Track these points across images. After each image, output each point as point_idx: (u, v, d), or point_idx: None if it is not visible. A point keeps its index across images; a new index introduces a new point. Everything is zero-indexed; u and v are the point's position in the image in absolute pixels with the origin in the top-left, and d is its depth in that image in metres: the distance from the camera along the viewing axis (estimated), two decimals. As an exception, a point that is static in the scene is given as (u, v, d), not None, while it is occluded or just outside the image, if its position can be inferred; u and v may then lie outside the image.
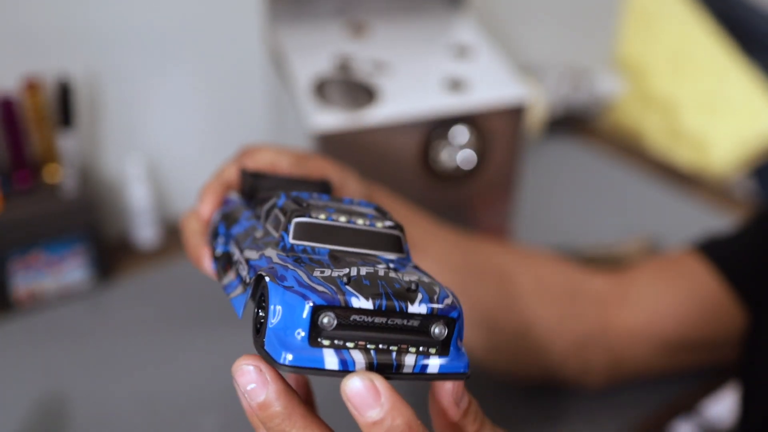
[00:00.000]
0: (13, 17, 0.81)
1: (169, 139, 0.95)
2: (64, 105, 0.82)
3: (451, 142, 0.81)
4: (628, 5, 1.45)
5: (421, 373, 0.34)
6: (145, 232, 0.93)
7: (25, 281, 0.83)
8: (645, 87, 1.56)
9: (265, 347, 0.33)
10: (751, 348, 0.68)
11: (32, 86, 0.81)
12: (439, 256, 0.65)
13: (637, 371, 0.73)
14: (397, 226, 0.40)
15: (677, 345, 0.72)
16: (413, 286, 0.34)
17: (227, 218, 0.47)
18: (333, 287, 0.33)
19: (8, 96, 0.81)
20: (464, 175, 0.84)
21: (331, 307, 0.32)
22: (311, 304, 0.32)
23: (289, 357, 0.32)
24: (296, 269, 0.34)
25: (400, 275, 0.35)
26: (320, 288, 0.32)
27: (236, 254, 0.41)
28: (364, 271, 0.35)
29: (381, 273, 0.35)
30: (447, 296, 0.35)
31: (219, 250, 0.45)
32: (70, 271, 0.86)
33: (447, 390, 0.37)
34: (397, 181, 0.82)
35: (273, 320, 0.33)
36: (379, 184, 0.79)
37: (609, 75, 1.26)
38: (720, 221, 1.02)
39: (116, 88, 0.89)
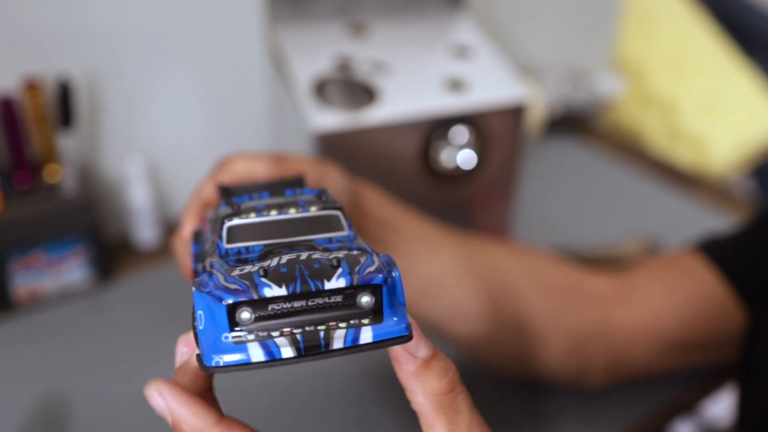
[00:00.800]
0: (13, 17, 0.81)
1: (169, 139, 0.95)
2: (64, 105, 0.82)
3: (451, 142, 0.81)
4: (628, 5, 1.45)
5: (353, 345, 0.34)
6: (145, 232, 0.93)
7: (26, 281, 0.83)
8: (645, 87, 1.56)
9: (199, 354, 0.34)
10: (750, 348, 0.68)
11: (32, 86, 0.81)
12: (432, 248, 0.65)
13: (637, 371, 0.73)
14: (333, 206, 0.40)
15: (678, 345, 0.72)
16: (335, 263, 0.34)
17: (197, 236, 0.47)
18: (247, 283, 0.33)
19: (8, 96, 0.81)
20: (464, 175, 0.84)
21: (246, 302, 0.33)
22: (225, 303, 0.33)
23: (217, 359, 0.33)
24: (218, 273, 0.35)
25: (327, 254, 0.35)
26: (233, 286, 0.33)
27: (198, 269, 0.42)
28: (285, 259, 0.35)
29: (303, 257, 0.35)
30: (371, 264, 0.35)
31: (192, 268, 0.45)
32: (71, 271, 0.86)
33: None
34: (397, 181, 0.82)
35: (200, 326, 0.34)
36: (379, 184, 0.79)
37: (609, 75, 1.26)
38: (720, 221, 1.03)
39: (116, 88, 0.89)
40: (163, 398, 0.36)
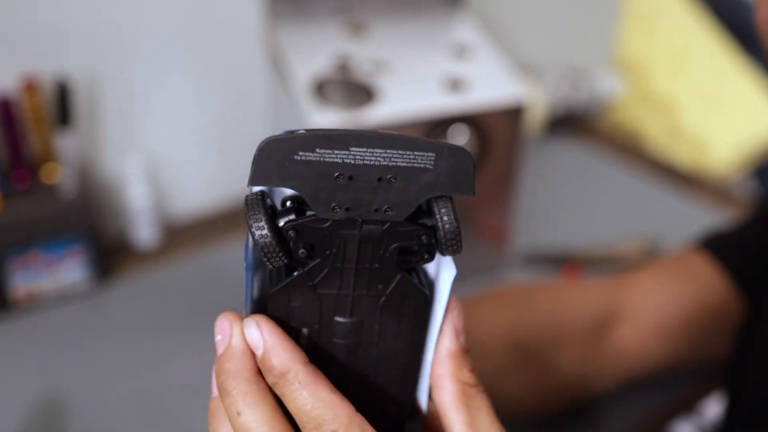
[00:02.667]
0: (12, 17, 0.81)
1: (168, 139, 0.95)
2: (62, 105, 0.82)
3: (450, 142, 0.81)
4: (628, 5, 1.45)
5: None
6: (144, 233, 0.93)
7: (24, 281, 0.83)
8: (645, 87, 1.56)
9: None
10: (747, 339, 0.68)
11: (31, 86, 0.81)
12: None
13: (644, 372, 0.73)
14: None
15: (683, 344, 0.72)
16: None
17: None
18: None
19: (7, 96, 0.80)
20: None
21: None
22: None
23: None
24: None
25: None
26: None
27: None
28: None
29: None
30: None
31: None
32: (69, 271, 0.85)
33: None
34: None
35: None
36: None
37: (609, 75, 1.26)
38: (720, 221, 1.02)
39: (115, 87, 0.89)
40: (259, 328, 0.35)
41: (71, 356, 0.80)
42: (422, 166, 0.33)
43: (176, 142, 0.96)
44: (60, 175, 0.84)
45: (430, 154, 0.33)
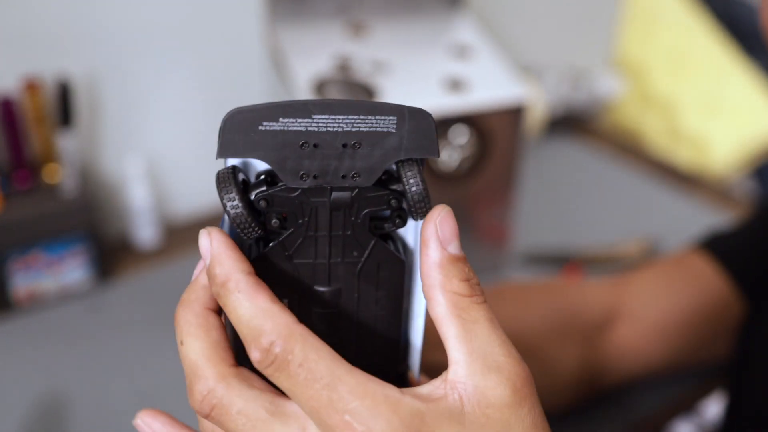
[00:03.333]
0: (13, 17, 0.81)
1: (169, 139, 0.95)
2: (63, 105, 0.82)
3: (450, 142, 0.81)
4: (628, 5, 1.45)
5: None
6: (145, 232, 0.93)
7: (25, 281, 0.83)
8: (645, 87, 1.56)
9: None
10: (747, 338, 0.68)
11: (32, 86, 0.81)
12: None
13: (644, 373, 0.73)
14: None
15: (684, 344, 0.72)
16: None
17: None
18: None
19: (8, 96, 0.81)
20: (464, 175, 0.84)
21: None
22: None
23: None
24: None
25: None
26: None
27: None
28: None
29: None
30: None
31: None
32: (70, 271, 0.85)
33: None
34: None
35: None
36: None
37: (609, 75, 1.26)
38: (720, 221, 1.02)
39: (116, 88, 0.89)
40: (209, 238, 0.34)
41: (71, 356, 0.80)
42: (385, 130, 0.33)
43: (176, 142, 0.96)
44: (61, 175, 0.84)
45: (391, 117, 0.33)
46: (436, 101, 0.80)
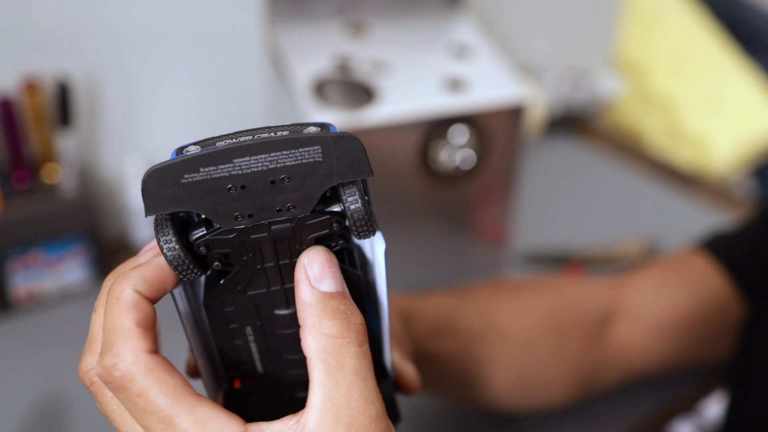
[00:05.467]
0: (12, 17, 0.81)
1: (169, 139, 0.95)
2: (63, 105, 0.82)
3: (450, 142, 0.81)
4: (628, 5, 1.45)
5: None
6: (145, 232, 0.93)
7: (24, 281, 0.83)
8: (645, 87, 1.56)
9: None
10: (748, 340, 0.68)
11: (31, 86, 0.81)
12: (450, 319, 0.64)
13: (644, 374, 0.73)
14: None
15: (684, 344, 0.72)
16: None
17: None
18: None
19: (7, 96, 0.81)
20: (464, 175, 0.84)
21: None
22: None
23: None
24: None
25: None
26: None
27: None
28: None
29: None
30: None
31: None
32: (70, 271, 0.85)
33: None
34: (397, 181, 0.82)
35: None
36: (378, 184, 0.79)
37: (609, 75, 1.26)
38: (720, 221, 1.02)
39: (115, 87, 0.89)
40: (155, 248, 0.35)
41: (71, 356, 0.80)
42: (311, 160, 0.33)
43: (176, 142, 0.95)
44: (60, 175, 0.84)
45: (315, 147, 0.33)
46: (435, 101, 0.80)
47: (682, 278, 0.72)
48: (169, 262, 0.34)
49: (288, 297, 0.37)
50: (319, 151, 0.33)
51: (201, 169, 0.32)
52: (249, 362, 0.38)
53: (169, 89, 0.92)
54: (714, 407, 0.88)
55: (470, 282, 0.90)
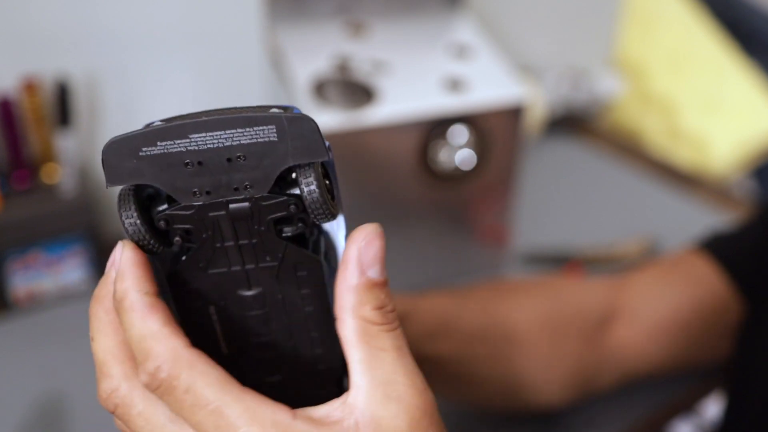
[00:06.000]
0: (12, 17, 0.81)
1: (169, 139, 0.95)
2: (62, 105, 0.82)
3: (450, 142, 0.81)
4: (628, 5, 1.45)
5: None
6: (144, 233, 0.93)
7: (24, 281, 0.83)
8: (645, 87, 1.56)
9: None
10: (747, 341, 0.68)
11: (31, 86, 0.81)
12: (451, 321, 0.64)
13: (643, 374, 0.73)
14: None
15: (683, 345, 0.72)
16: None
17: None
18: None
19: (6, 96, 0.81)
20: (464, 175, 0.84)
21: None
22: None
23: None
24: None
25: None
26: None
27: None
28: None
29: None
30: None
31: None
32: (69, 271, 0.85)
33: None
34: (396, 182, 0.82)
35: None
36: (378, 184, 0.79)
37: (609, 75, 1.26)
38: (720, 221, 1.02)
39: (115, 87, 0.89)
40: (121, 252, 0.34)
41: (71, 356, 0.80)
42: (266, 139, 0.33)
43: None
44: (60, 175, 0.84)
45: (270, 126, 0.33)
46: (435, 101, 0.80)
47: (680, 278, 0.72)
48: (130, 235, 0.35)
49: (250, 278, 0.37)
50: (274, 130, 0.33)
51: (158, 143, 0.33)
52: (213, 342, 0.39)
53: (169, 89, 0.92)
54: (713, 407, 0.88)
55: (470, 282, 0.90)
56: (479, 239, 0.91)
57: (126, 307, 0.34)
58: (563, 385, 0.69)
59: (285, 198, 0.35)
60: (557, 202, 1.07)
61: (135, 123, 0.95)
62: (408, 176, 0.82)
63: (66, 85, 0.82)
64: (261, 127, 0.33)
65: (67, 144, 0.83)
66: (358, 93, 0.81)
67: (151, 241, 0.35)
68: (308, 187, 0.34)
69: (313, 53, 0.85)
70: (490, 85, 0.83)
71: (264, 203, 0.35)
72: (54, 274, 0.85)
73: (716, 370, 0.79)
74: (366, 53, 0.86)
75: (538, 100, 1.13)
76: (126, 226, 0.34)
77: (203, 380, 0.32)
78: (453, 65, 0.86)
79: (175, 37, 0.90)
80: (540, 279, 0.77)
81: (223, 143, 0.33)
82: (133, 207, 0.34)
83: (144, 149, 0.33)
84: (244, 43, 0.93)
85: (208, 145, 0.33)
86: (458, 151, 0.82)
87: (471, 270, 0.92)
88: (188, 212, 0.35)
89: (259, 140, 0.33)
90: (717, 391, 0.82)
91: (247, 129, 0.33)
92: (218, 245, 0.36)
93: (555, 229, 1.01)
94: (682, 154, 1.52)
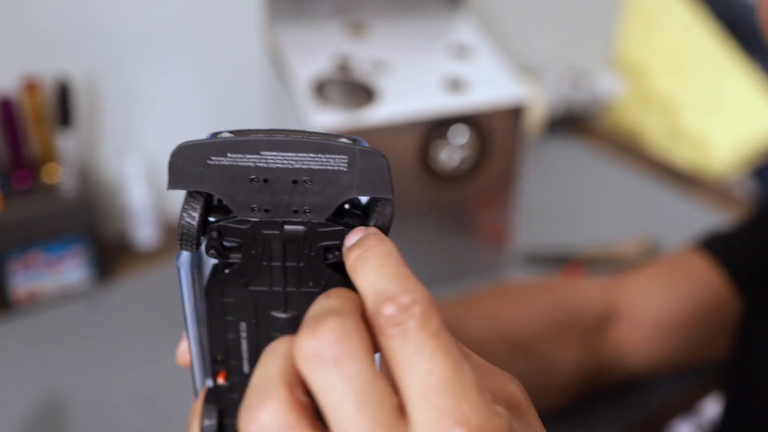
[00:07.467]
0: (13, 17, 0.81)
1: (168, 139, 0.95)
2: (63, 105, 0.82)
3: (450, 142, 0.81)
4: (628, 5, 1.45)
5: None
6: (144, 232, 0.93)
7: (24, 281, 0.83)
8: (645, 87, 1.56)
9: None
10: (745, 340, 0.68)
11: (31, 86, 0.81)
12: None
13: (643, 373, 0.73)
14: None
15: (682, 344, 0.72)
16: None
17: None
18: None
19: (7, 96, 0.81)
20: (464, 175, 0.84)
21: None
22: None
23: None
24: None
25: None
26: None
27: None
28: None
29: None
30: None
31: None
32: (69, 271, 0.85)
33: None
34: (397, 181, 0.82)
35: None
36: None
37: (609, 75, 1.26)
38: (720, 221, 1.02)
39: (115, 87, 0.89)
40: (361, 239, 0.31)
41: (71, 356, 0.80)
42: (336, 168, 0.34)
43: (176, 141, 0.95)
44: (60, 175, 0.84)
45: (342, 156, 0.34)
46: (435, 101, 0.80)
47: (679, 278, 0.72)
48: (181, 230, 0.35)
49: (288, 300, 0.37)
50: (345, 161, 0.34)
51: (228, 155, 0.33)
52: (237, 359, 0.39)
53: (169, 89, 0.92)
54: (713, 407, 0.88)
55: (470, 281, 0.90)
56: (479, 239, 0.91)
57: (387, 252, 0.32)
58: (564, 388, 0.69)
59: (341, 228, 0.35)
60: (557, 202, 1.07)
61: (135, 123, 0.96)
62: (408, 176, 0.82)
63: (66, 85, 0.82)
64: (333, 155, 0.33)
65: (67, 144, 0.83)
66: (359, 93, 0.81)
67: (194, 243, 0.35)
68: (384, 218, 0.35)
69: (313, 53, 0.85)
70: (490, 85, 0.83)
71: (320, 229, 0.35)
72: (54, 274, 0.85)
73: (715, 369, 0.79)
74: (366, 53, 0.87)
75: (538, 100, 1.13)
76: (183, 221, 0.35)
77: (448, 335, 0.28)
78: (453, 65, 0.86)
79: (175, 37, 0.90)
80: (539, 282, 0.77)
81: (292, 165, 0.33)
82: (199, 208, 0.34)
83: (213, 158, 0.33)
84: (244, 43, 0.93)
85: (278, 165, 0.33)
86: (459, 151, 0.82)
87: (471, 270, 0.92)
88: (243, 226, 0.35)
89: (328, 167, 0.34)
90: (717, 391, 0.82)
91: (319, 155, 0.33)
92: (264, 263, 0.36)
93: (555, 229, 1.01)
94: (682, 154, 1.52)
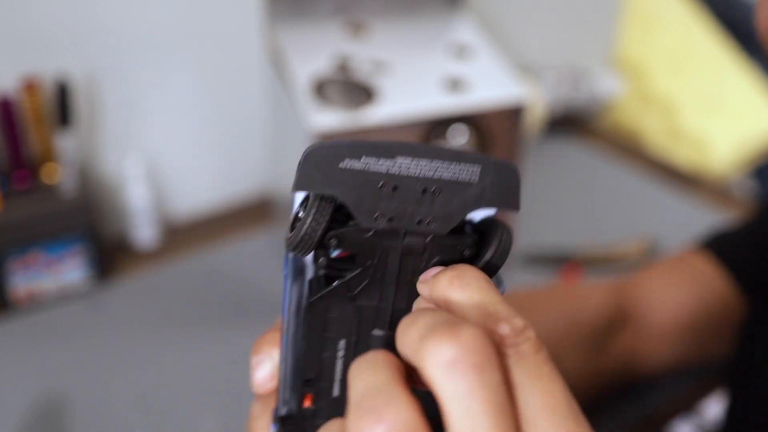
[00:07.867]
0: (13, 17, 0.81)
1: (168, 139, 0.95)
2: (62, 105, 0.82)
3: (450, 142, 0.81)
4: (628, 5, 1.45)
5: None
6: (144, 232, 0.93)
7: (24, 281, 0.83)
8: (645, 87, 1.56)
9: None
10: (749, 340, 0.68)
11: (31, 86, 0.81)
12: None
13: (650, 372, 0.74)
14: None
15: (688, 344, 0.72)
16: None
17: None
18: None
19: (7, 96, 0.81)
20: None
21: None
22: None
23: None
24: None
25: None
26: None
27: None
28: None
29: None
30: None
31: None
32: (69, 271, 0.85)
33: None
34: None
35: None
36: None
37: (609, 75, 1.26)
38: (720, 221, 1.02)
39: (115, 88, 0.89)
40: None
41: (71, 356, 0.80)
42: (467, 179, 0.33)
43: (176, 142, 0.96)
44: (60, 175, 0.84)
45: (475, 167, 0.33)
46: (435, 101, 0.80)
47: (684, 279, 0.72)
48: (302, 233, 0.33)
49: (393, 318, 0.35)
50: (478, 171, 0.33)
51: (363, 158, 0.32)
52: (328, 381, 0.36)
53: (168, 89, 0.92)
54: (714, 407, 0.88)
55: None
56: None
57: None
58: (571, 391, 0.69)
59: (463, 242, 0.34)
60: (557, 202, 1.07)
61: (135, 123, 0.96)
62: (408, 176, 0.82)
63: (66, 85, 0.82)
64: (467, 165, 0.33)
65: (66, 144, 0.83)
66: (358, 93, 0.81)
67: (308, 250, 0.33)
68: (506, 242, 0.33)
69: (313, 53, 0.85)
70: (490, 85, 0.83)
71: (441, 243, 0.33)
72: (54, 274, 0.85)
73: (716, 369, 0.79)
74: (366, 53, 0.86)
75: (537, 100, 1.13)
76: (307, 225, 0.33)
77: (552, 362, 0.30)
78: (453, 65, 0.86)
79: (175, 37, 0.90)
80: (546, 289, 0.77)
81: (424, 173, 0.32)
82: (328, 215, 0.33)
83: (347, 160, 0.32)
84: (244, 43, 0.93)
85: (410, 172, 0.32)
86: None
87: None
88: (364, 235, 0.33)
89: (459, 178, 0.33)
90: (717, 390, 0.82)
91: (453, 164, 0.32)
92: (378, 277, 0.34)
93: (555, 229, 1.01)
94: (682, 154, 1.52)
